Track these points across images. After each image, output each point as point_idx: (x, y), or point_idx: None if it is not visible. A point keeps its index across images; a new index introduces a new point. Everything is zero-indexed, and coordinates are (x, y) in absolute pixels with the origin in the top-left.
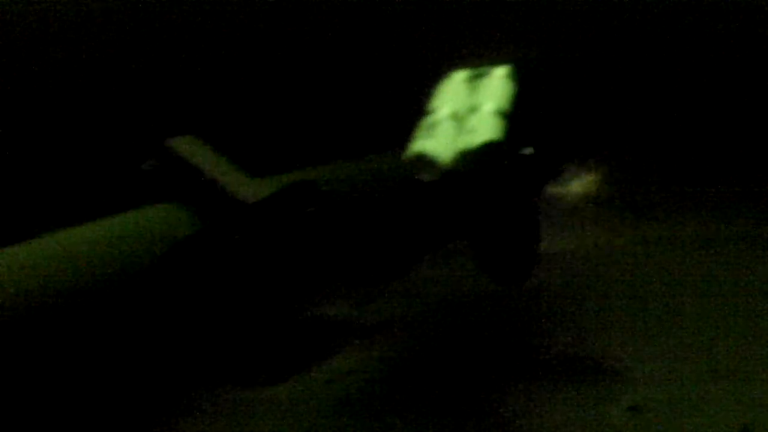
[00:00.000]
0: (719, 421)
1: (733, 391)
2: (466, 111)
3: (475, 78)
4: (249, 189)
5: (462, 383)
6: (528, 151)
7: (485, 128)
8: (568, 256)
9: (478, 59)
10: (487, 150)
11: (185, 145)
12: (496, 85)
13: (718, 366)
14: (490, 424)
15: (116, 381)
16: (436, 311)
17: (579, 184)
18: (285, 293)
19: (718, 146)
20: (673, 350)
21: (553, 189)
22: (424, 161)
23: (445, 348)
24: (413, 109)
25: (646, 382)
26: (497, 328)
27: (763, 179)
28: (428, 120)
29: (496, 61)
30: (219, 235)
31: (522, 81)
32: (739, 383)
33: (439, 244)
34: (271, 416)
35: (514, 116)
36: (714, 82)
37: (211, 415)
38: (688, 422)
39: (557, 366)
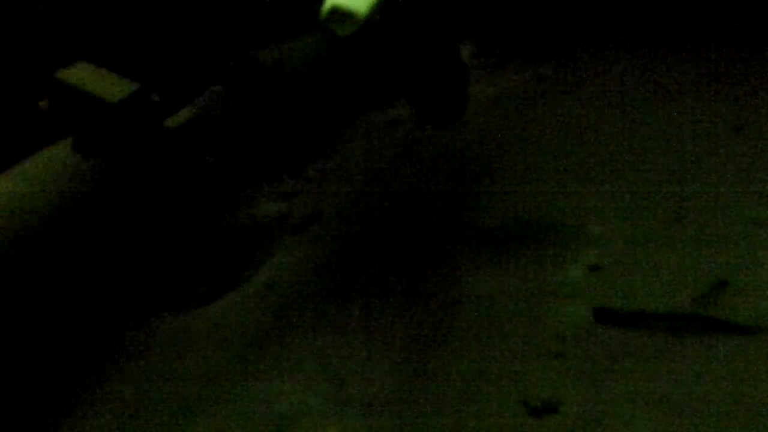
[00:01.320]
0: (689, 276)
1: (701, 239)
2: None
3: None
4: (113, 88)
5: (407, 265)
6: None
7: None
8: (503, 101)
9: None
10: None
11: (76, 74)
12: None
13: (684, 214)
14: (445, 300)
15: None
16: (368, 193)
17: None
18: (200, 195)
19: None
20: (634, 202)
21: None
22: (338, 15)
23: (383, 229)
24: None
25: (606, 239)
26: (438, 197)
27: None
28: None
29: None
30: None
31: None
32: (707, 229)
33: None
34: (209, 342)
35: None
36: None
37: (143, 351)
38: (654, 278)
39: (507, 229)
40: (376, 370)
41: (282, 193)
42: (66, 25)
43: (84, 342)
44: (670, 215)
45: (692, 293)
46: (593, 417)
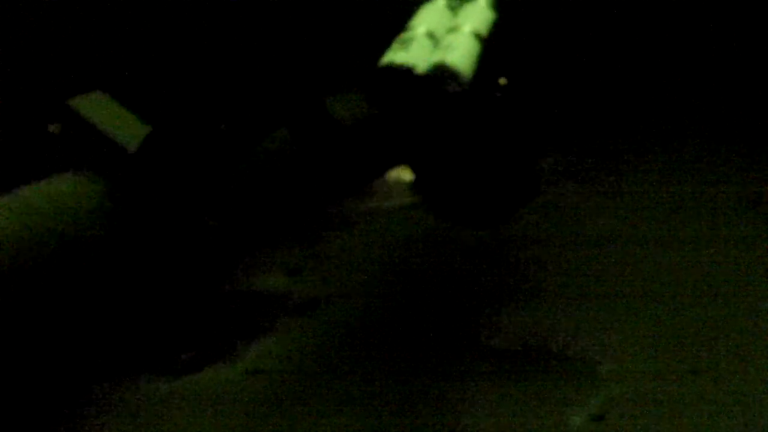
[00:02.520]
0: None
1: (718, 398)
2: (444, 31)
3: (457, 3)
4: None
5: (404, 372)
6: (502, 80)
7: (462, 46)
8: (534, 213)
9: None
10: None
11: (90, 104)
12: (478, 11)
13: (704, 364)
14: (432, 423)
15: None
16: (377, 280)
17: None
18: (204, 259)
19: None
20: (648, 344)
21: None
22: (394, 73)
23: (385, 327)
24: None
25: (616, 382)
26: (444, 301)
27: None
28: (404, 36)
29: None
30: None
31: (504, 11)
32: (725, 384)
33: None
34: (187, 413)
35: (492, 44)
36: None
37: (120, 412)
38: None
39: (513, 354)
40: None
41: (287, 266)
42: None
43: (64, 393)
44: (689, 361)
45: None
46: None
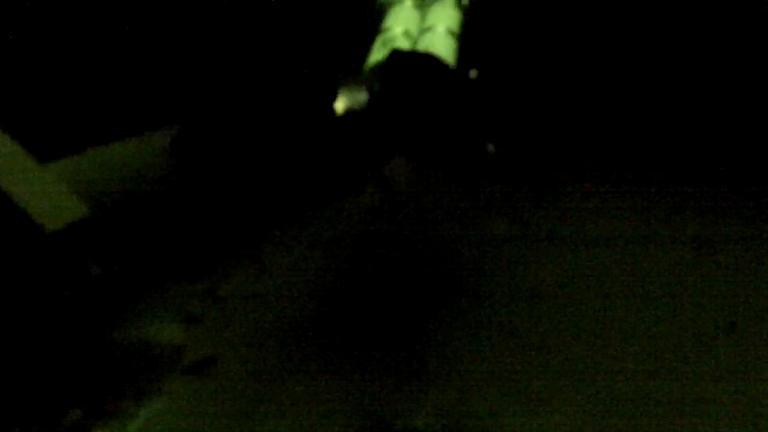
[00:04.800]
0: None
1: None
2: (418, 31)
3: (424, 3)
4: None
5: None
6: (473, 73)
7: (440, 44)
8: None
9: None
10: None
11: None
12: (447, 11)
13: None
14: None
15: None
16: (291, 322)
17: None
18: (88, 307)
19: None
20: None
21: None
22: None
23: (286, 395)
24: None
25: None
26: (369, 357)
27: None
28: (383, 36)
29: None
30: None
31: (472, 8)
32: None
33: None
34: None
35: (463, 40)
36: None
37: None
38: None
39: None
40: None
41: (184, 313)
42: None
43: None
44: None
45: None
46: None
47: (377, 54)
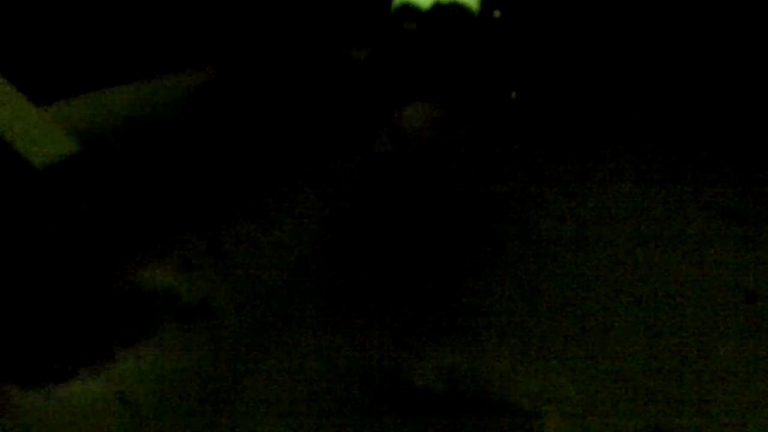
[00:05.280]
0: None
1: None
2: None
3: None
4: (41, 149)
5: (298, 414)
6: (497, 13)
7: None
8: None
9: None
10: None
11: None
12: None
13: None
14: None
15: None
16: (283, 281)
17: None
18: (71, 249)
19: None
20: (594, 381)
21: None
22: (407, 11)
23: (281, 342)
24: None
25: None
26: (370, 318)
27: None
28: None
29: None
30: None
31: None
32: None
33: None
34: (56, 427)
35: None
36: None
37: None
38: None
39: (443, 397)
40: None
41: (180, 259)
42: None
43: None
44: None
45: None
46: None
47: None
